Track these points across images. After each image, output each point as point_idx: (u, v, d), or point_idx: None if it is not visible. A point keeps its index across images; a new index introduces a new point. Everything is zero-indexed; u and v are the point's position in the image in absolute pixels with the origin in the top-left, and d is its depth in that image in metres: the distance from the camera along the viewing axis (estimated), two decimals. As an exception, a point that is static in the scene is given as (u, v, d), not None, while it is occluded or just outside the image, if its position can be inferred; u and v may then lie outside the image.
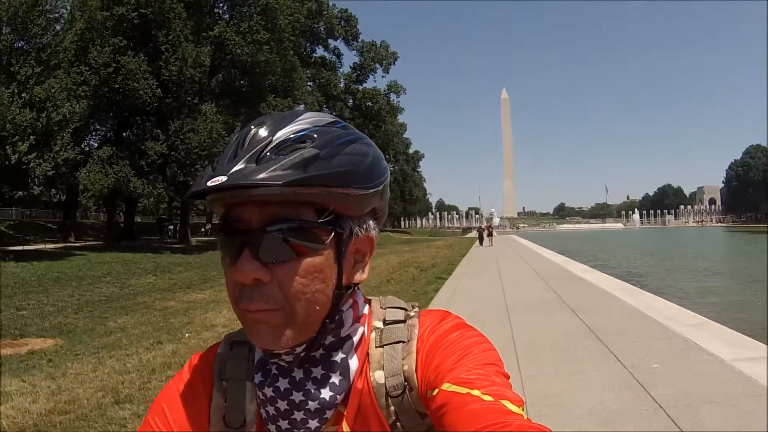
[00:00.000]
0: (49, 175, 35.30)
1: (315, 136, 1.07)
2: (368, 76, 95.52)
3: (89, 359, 12.20)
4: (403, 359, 1.17)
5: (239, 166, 1.02)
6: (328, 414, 1.16)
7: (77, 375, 10.73)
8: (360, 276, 1.19)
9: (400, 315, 1.25)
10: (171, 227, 68.07)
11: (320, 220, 1.07)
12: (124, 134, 50.54)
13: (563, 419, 6.86)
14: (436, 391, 1.07)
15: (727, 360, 8.92)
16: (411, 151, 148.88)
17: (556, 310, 14.97)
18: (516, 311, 14.95)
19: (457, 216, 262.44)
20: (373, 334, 1.24)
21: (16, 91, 32.76)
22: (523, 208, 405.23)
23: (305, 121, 1.11)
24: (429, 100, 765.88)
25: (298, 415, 1.16)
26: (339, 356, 1.18)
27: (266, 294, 1.05)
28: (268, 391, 1.17)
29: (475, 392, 1.00)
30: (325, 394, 1.15)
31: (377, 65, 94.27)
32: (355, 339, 1.21)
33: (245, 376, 1.24)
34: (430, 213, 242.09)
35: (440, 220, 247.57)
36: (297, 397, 1.15)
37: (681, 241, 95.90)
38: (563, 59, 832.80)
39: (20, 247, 40.68)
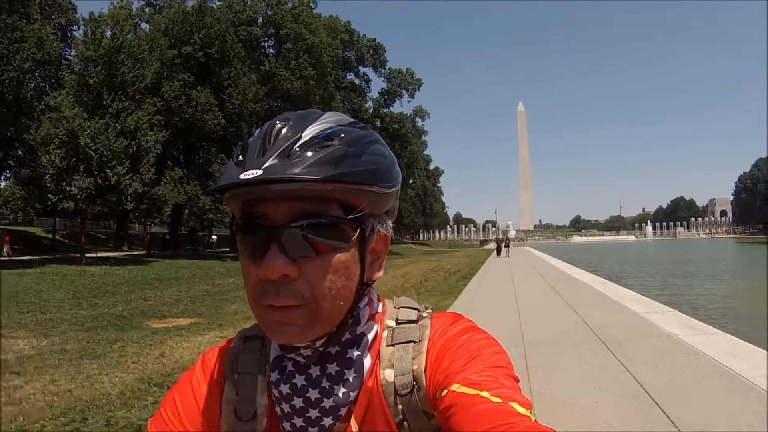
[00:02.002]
0: (138, 192, 40.64)
1: (342, 135, 1.08)
2: (395, 101, 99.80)
3: (252, 322, 17.06)
4: (413, 359, 1.18)
5: (272, 161, 1.02)
6: (342, 412, 1.18)
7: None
8: (378, 273, 1.21)
9: (412, 315, 1.26)
10: (207, 238, 73.77)
11: (349, 217, 1.09)
12: (181, 156, 55.61)
13: (543, 331, 12.84)
14: (445, 391, 1.07)
15: (640, 313, 14.86)
16: (431, 167, 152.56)
17: (548, 294, 21.26)
18: (521, 296, 20.97)
19: (474, 229, 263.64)
20: (385, 333, 1.25)
21: (110, 122, 38.41)
22: (540, 220, 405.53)
23: (329, 120, 1.12)
24: (447, 115, 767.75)
25: (313, 413, 1.17)
26: (354, 353, 1.19)
27: (293, 289, 1.06)
28: (285, 389, 1.18)
29: (484, 394, 1.01)
30: (339, 391, 1.17)
31: (403, 91, 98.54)
32: (370, 337, 1.23)
33: (257, 370, 1.26)
34: (448, 226, 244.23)
35: (458, 233, 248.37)
36: (313, 394, 1.17)
37: (682, 251, 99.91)
38: (580, 75, 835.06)
39: (93, 255, 45.54)
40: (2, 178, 52.40)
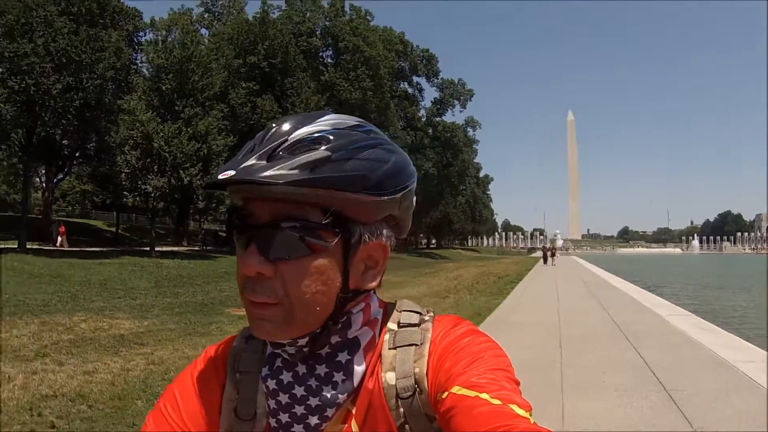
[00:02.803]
0: (209, 193, 42.97)
1: (331, 138, 1.07)
2: (447, 110, 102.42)
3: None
4: (414, 362, 1.17)
5: (250, 161, 1.03)
6: (329, 412, 1.17)
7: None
8: (371, 283, 1.19)
9: (414, 318, 1.25)
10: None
11: (323, 222, 1.06)
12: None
13: (577, 326, 15.17)
14: (446, 394, 1.07)
15: (662, 315, 17.05)
16: (481, 174, 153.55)
17: (586, 299, 23.58)
18: (562, 298, 23.19)
19: (522, 236, 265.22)
20: (387, 336, 1.23)
21: (182, 127, 41.08)
22: (588, 230, 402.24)
23: (326, 122, 1.11)
24: (496, 122, 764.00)
25: (299, 410, 1.17)
26: (344, 357, 1.18)
27: (268, 287, 1.06)
28: (272, 384, 1.19)
29: (484, 396, 1.01)
30: (327, 392, 1.16)
31: (455, 101, 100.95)
32: (363, 342, 1.21)
33: (258, 370, 1.24)
34: (496, 233, 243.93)
35: (506, 240, 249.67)
36: (299, 391, 1.17)
37: (723, 265, 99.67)
38: (630, 83, 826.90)
39: (159, 249, 47.37)
40: (66, 173, 54.82)
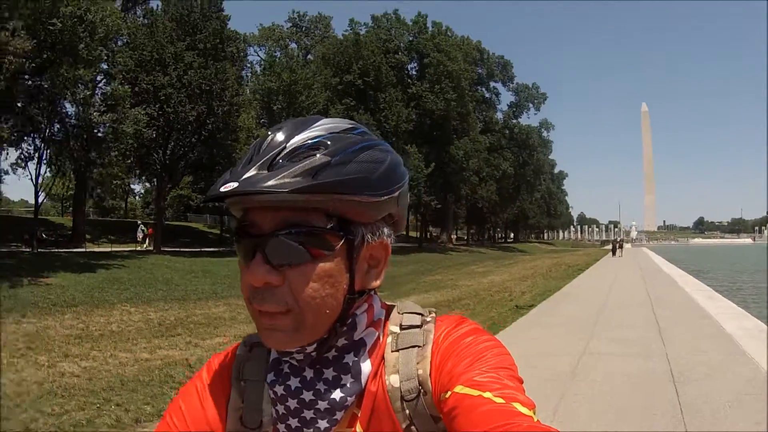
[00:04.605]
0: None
1: (329, 143, 1.06)
2: (522, 113, 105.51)
3: (444, 291, 24.35)
4: (417, 363, 1.15)
5: (251, 172, 1.02)
6: (338, 415, 1.16)
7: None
8: (374, 282, 1.18)
9: (416, 320, 1.23)
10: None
11: (329, 226, 1.06)
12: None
13: (619, 299, 19.71)
14: (449, 393, 1.06)
15: (687, 291, 20.65)
16: (556, 170, 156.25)
17: (636, 280, 28.16)
18: (616, 280, 27.86)
19: (597, 229, 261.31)
20: (389, 338, 1.21)
21: None
22: (664, 221, 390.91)
23: (321, 127, 1.10)
24: (571, 117, 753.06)
25: (308, 414, 1.16)
26: (351, 359, 1.17)
27: (277, 296, 1.05)
28: (279, 390, 1.18)
29: (487, 394, 1.00)
30: (336, 395, 1.15)
31: (530, 104, 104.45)
32: (369, 343, 1.20)
33: (263, 377, 1.24)
34: (571, 226, 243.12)
35: (581, 233, 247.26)
36: (307, 396, 1.16)
37: None
38: (704, 73, 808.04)
39: None
40: (176, 183, 59.05)
